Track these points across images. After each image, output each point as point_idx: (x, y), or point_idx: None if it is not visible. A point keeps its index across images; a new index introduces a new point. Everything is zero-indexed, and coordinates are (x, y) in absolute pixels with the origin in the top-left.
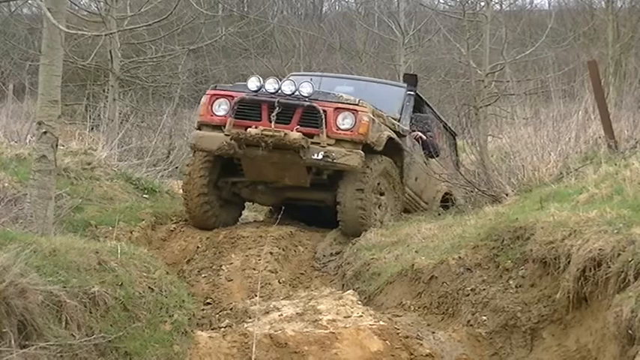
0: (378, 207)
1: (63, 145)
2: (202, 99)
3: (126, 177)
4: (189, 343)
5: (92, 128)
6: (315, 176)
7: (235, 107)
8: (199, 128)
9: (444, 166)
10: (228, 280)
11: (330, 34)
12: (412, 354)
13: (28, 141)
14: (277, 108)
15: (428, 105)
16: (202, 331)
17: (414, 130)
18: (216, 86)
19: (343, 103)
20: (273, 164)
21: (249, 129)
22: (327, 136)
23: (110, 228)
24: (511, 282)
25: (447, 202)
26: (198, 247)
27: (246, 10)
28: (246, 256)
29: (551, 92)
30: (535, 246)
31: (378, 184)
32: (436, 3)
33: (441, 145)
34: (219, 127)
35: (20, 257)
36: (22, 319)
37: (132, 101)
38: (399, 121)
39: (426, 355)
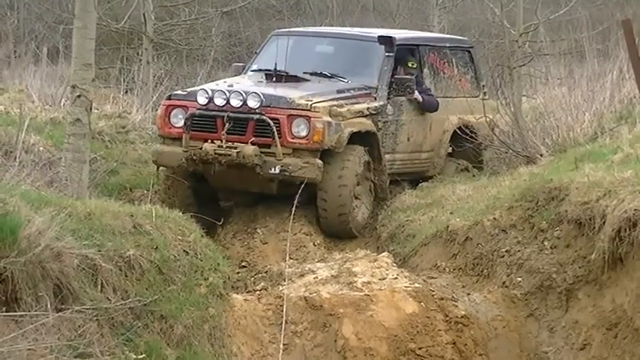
0: (356, 198)
1: (97, 109)
2: (158, 110)
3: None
4: (224, 305)
5: (126, 91)
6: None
7: (188, 123)
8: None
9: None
10: (263, 243)
11: None
12: (447, 315)
13: (62, 104)
14: (227, 123)
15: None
16: (237, 293)
17: (411, 93)
18: (170, 96)
19: (295, 109)
20: (235, 177)
21: (204, 145)
22: (283, 146)
23: (145, 191)
24: (546, 243)
25: (466, 135)
26: (232, 209)
27: None
28: (281, 218)
29: (586, 52)
30: (570, 206)
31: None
32: None
33: (449, 74)
34: (179, 140)
35: (55, 221)
36: (58, 283)
37: (166, 64)
38: (376, 89)
39: (461, 317)
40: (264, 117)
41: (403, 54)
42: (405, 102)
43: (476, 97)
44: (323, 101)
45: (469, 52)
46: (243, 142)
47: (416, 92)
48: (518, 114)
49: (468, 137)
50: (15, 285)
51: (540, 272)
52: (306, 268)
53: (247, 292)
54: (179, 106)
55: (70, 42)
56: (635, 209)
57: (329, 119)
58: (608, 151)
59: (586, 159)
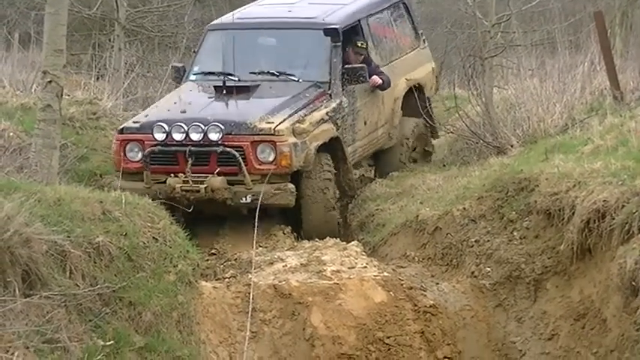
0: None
1: (68, 95)
2: (112, 145)
3: None
4: (193, 293)
5: (97, 78)
6: None
7: (147, 159)
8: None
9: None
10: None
11: None
12: (416, 305)
13: (33, 90)
14: (190, 159)
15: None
16: (206, 281)
17: (364, 80)
18: (123, 129)
19: (258, 134)
20: (204, 205)
21: (168, 180)
22: (250, 173)
23: (115, 178)
24: (515, 233)
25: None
26: None
27: None
28: None
29: (557, 43)
30: (539, 197)
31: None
32: None
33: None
34: (139, 174)
35: (25, 206)
36: (27, 269)
37: (137, 51)
38: (329, 84)
39: (430, 306)
40: (228, 149)
41: (349, 36)
42: (357, 87)
43: (416, 48)
44: (284, 120)
45: (404, 3)
46: (207, 173)
47: (374, 76)
48: (489, 105)
49: (417, 96)
50: None
51: (509, 262)
52: (276, 257)
53: (216, 280)
54: (134, 140)
55: (42, 28)
56: (604, 201)
57: (294, 140)
58: (579, 142)
59: (556, 150)
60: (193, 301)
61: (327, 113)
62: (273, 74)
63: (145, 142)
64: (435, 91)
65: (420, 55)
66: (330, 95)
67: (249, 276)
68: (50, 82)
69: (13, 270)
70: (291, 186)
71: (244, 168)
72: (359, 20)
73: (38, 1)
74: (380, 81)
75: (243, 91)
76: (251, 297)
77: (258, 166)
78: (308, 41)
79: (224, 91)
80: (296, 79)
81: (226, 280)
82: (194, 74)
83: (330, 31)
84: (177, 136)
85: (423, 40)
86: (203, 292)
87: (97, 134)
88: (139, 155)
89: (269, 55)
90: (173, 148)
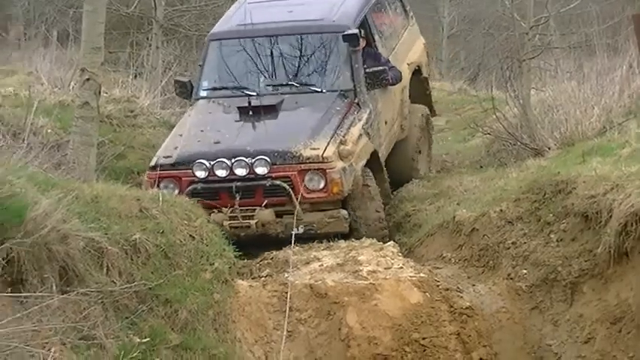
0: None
1: (106, 93)
2: (144, 182)
3: (168, 125)
4: (229, 291)
5: (135, 76)
6: None
7: (188, 197)
8: None
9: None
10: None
11: None
12: (452, 306)
13: (71, 88)
14: (237, 196)
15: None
16: (242, 279)
17: (388, 82)
18: (155, 166)
19: (306, 162)
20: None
21: (212, 217)
22: (300, 202)
23: None
24: (552, 236)
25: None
26: None
27: None
28: None
29: (596, 46)
30: (577, 200)
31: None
32: None
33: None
34: None
35: (62, 203)
36: (64, 265)
37: (175, 50)
38: (355, 93)
39: (466, 308)
40: (277, 182)
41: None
42: (377, 90)
43: (407, 27)
44: (328, 144)
45: None
46: (254, 206)
47: (389, 74)
48: (526, 106)
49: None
50: (21, 266)
51: (546, 265)
52: (312, 256)
53: (252, 279)
54: (169, 177)
55: (80, 26)
56: None
57: (342, 164)
58: (616, 145)
59: (594, 153)
60: (229, 300)
61: (362, 127)
62: (293, 85)
63: (183, 179)
64: (429, 71)
65: (412, 34)
66: (359, 104)
67: (286, 275)
68: (88, 79)
69: (51, 266)
70: (344, 212)
71: (295, 199)
72: (366, 16)
73: None
74: (392, 80)
75: (270, 110)
76: (288, 296)
77: (307, 195)
78: (323, 46)
79: (250, 112)
80: (319, 90)
81: (262, 279)
82: (204, 90)
83: (349, 37)
84: (221, 173)
85: (411, 17)
86: (239, 290)
87: (135, 132)
88: (176, 192)
89: (283, 64)
90: (216, 185)
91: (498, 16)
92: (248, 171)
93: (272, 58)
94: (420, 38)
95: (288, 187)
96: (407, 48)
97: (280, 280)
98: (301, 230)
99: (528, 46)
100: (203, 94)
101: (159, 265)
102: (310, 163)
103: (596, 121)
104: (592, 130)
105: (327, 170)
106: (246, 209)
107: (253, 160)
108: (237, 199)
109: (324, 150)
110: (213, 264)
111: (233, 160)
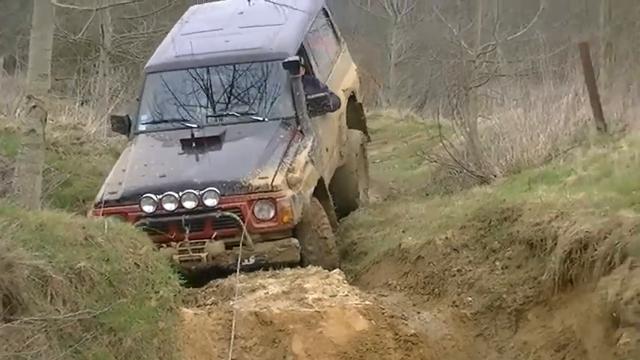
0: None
1: (52, 120)
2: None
3: (115, 152)
4: (174, 319)
5: (82, 103)
6: None
7: None
8: None
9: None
10: None
11: None
12: (397, 334)
13: (17, 114)
14: (187, 229)
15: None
16: (188, 307)
17: (329, 109)
18: (100, 203)
19: (255, 192)
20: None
21: (161, 251)
22: (250, 232)
23: None
24: (497, 263)
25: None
26: None
27: None
28: None
29: (542, 74)
30: (522, 227)
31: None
32: None
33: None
34: None
35: (7, 231)
36: (7, 293)
37: (122, 77)
38: (297, 120)
39: (411, 335)
40: (228, 213)
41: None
42: (317, 117)
43: (340, 53)
44: (276, 172)
45: (324, 8)
46: (204, 239)
47: (330, 100)
48: (473, 134)
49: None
50: None
51: (491, 292)
52: (257, 284)
53: (198, 307)
54: (115, 213)
55: (27, 52)
56: (587, 231)
57: (291, 193)
58: (562, 173)
59: (539, 180)
60: (174, 328)
61: (308, 154)
62: (235, 116)
63: (130, 215)
64: (361, 96)
65: (345, 60)
66: (302, 132)
67: (231, 303)
68: (34, 106)
69: None
70: (295, 241)
71: (245, 229)
72: (302, 43)
73: (24, 25)
74: (332, 107)
75: (214, 141)
76: (234, 324)
77: (257, 225)
78: (263, 74)
79: (193, 144)
80: (261, 119)
81: (208, 306)
82: (143, 124)
83: (289, 64)
84: (169, 206)
85: (343, 42)
86: (184, 318)
87: (81, 159)
88: None
89: (223, 94)
90: (165, 219)
91: (446, 44)
92: (197, 203)
93: (211, 88)
94: (352, 64)
95: (238, 217)
96: (341, 74)
97: (225, 307)
98: (252, 261)
99: (475, 74)
100: (142, 128)
101: (104, 293)
102: (259, 192)
103: (542, 148)
104: (538, 157)
105: (277, 199)
106: (196, 242)
107: (202, 192)
108: (187, 232)
109: (273, 179)
110: (159, 292)
111: (181, 193)
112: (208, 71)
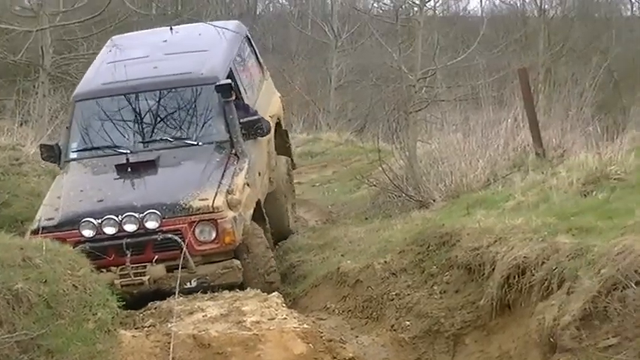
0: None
1: None
2: None
3: (54, 174)
4: (112, 341)
5: (21, 124)
6: None
7: None
8: None
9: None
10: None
11: (264, 35)
12: (335, 357)
13: None
14: (128, 253)
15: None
16: (126, 330)
17: (263, 132)
18: (37, 230)
19: (196, 214)
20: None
21: (101, 276)
22: (192, 255)
23: None
24: (436, 287)
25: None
26: None
27: (179, 9)
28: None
29: (482, 99)
30: (460, 252)
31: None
32: (370, 7)
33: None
34: None
35: None
36: None
37: (62, 98)
38: (231, 143)
39: (349, 359)
40: (170, 235)
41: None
42: (249, 142)
43: (264, 81)
44: (216, 194)
45: (247, 37)
46: (144, 262)
47: (263, 124)
48: (412, 159)
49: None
50: None
51: (429, 316)
52: (196, 306)
53: (136, 329)
54: (53, 239)
55: None
56: (525, 257)
57: (233, 214)
58: (501, 198)
59: (478, 205)
60: (112, 350)
61: (245, 177)
62: (168, 141)
63: (68, 240)
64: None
65: (269, 88)
66: (237, 155)
67: (169, 325)
68: None
69: None
70: (237, 262)
71: (187, 251)
72: (230, 68)
73: None
74: (265, 131)
75: (149, 166)
76: (172, 347)
77: (198, 247)
78: (195, 99)
79: (129, 169)
80: (195, 143)
81: (146, 329)
82: (74, 151)
83: (221, 88)
84: (110, 230)
85: (266, 70)
86: (122, 340)
87: (20, 180)
88: None
89: (155, 120)
90: (105, 243)
91: (386, 68)
92: (138, 226)
93: (142, 115)
94: (276, 92)
95: (179, 240)
96: (267, 101)
97: (164, 330)
98: (194, 284)
99: (415, 99)
100: (73, 155)
101: (41, 315)
102: (201, 214)
103: (481, 173)
104: (477, 182)
105: (219, 220)
106: (137, 266)
107: (143, 215)
108: (128, 255)
109: (213, 200)
110: (97, 314)
111: (121, 216)
112: (137, 97)
